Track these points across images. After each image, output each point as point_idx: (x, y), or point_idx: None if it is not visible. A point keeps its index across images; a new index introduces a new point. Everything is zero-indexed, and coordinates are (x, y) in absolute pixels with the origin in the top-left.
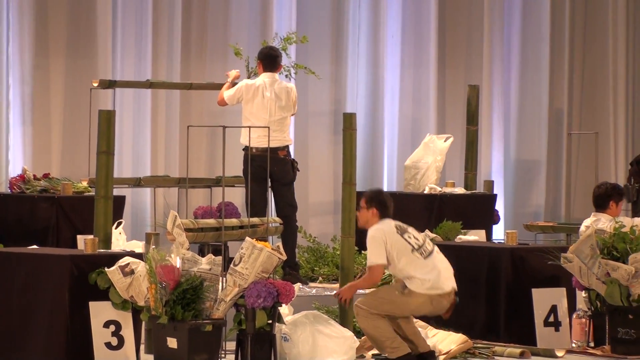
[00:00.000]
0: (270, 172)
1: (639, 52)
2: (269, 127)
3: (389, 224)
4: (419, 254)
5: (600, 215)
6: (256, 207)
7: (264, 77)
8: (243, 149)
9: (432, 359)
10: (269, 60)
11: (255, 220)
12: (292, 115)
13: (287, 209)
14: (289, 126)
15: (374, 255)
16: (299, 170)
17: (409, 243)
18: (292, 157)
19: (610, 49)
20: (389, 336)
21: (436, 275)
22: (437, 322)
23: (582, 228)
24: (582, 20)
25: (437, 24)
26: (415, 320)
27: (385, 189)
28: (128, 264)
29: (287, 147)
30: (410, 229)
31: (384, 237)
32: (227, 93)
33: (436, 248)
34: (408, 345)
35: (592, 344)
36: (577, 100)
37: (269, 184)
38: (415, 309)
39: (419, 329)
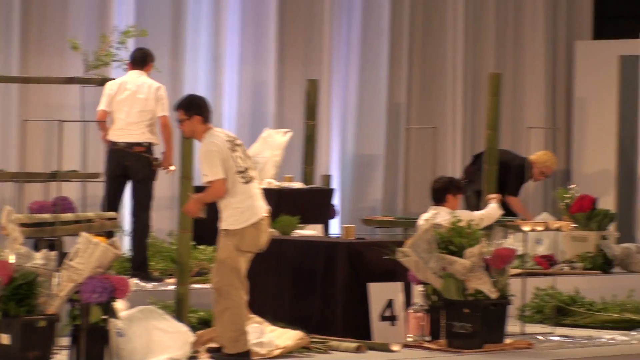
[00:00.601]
0: (124, 166)
1: (477, 48)
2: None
3: (222, 139)
4: (241, 178)
5: (439, 208)
6: (107, 201)
7: (130, 74)
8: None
9: None
10: (136, 58)
11: (90, 215)
12: (162, 116)
13: (136, 207)
14: (153, 125)
15: (212, 170)
16: (157, 169)
17: (235, 164)
18: (156, 157)
19: (449, 45)
20: (239, 328)
21: (250, 203)
22: (275, 318)
23: (421, 222)
24: (421, 15)
25: (277, 18)
26: (252, 316)
27: None
28: None
29: (145, 144)
30: (240, 149)
31: (220, 151)
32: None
33: (256, 178)
34: None
35: (428, 338)
36: (415, 95)
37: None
38: (250, 242)
39: (255, 324)
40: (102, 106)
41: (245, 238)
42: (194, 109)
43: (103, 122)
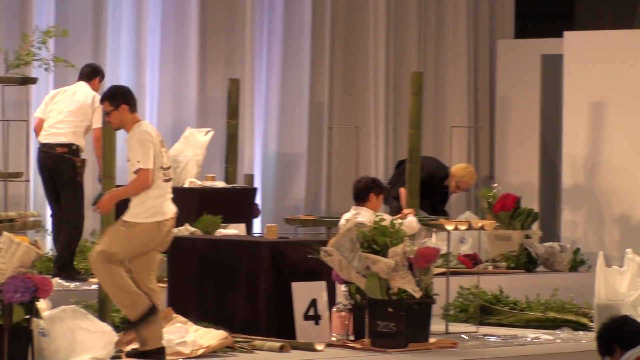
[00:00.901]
0: (48, 167)
1: (399, 47)
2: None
3: (154, 131)
4: (162, 174)
5: (361, 208)
6: (48, 202)
7: (74, 85)
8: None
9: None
10: (84, 72)
11: (12, 214)
12: (97, 128)
13: (63, 209)
14: (82, 134)
15: (144, 158)
16: (79, 171)
17: (161, 160)
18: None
19: (371, 44)
20: (127, 290)
21: (162, 202)
22: (198, 317)
23: (342, 221)
24: (343, 14)
25: (198, 17)
26: (175, 315)
27: None
28: None
29: (70, 146)
30: (165, 147)
31: (153, 142)
32: None
33: (172, 179)
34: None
35: (352, 337)
36: (338, 94)
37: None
38: (146, 239)
39: (179, 324)
40: (37, 113)
41: (143, 233)
42: (120, 98)
43: (39, 130)
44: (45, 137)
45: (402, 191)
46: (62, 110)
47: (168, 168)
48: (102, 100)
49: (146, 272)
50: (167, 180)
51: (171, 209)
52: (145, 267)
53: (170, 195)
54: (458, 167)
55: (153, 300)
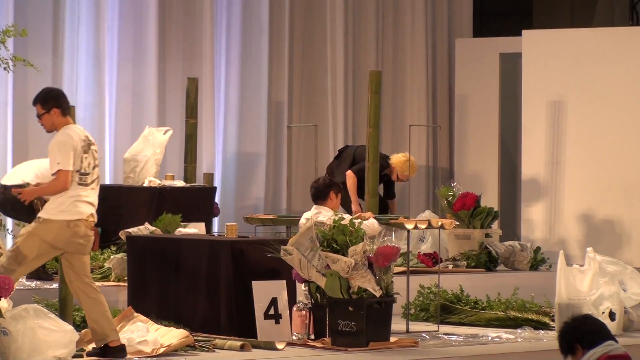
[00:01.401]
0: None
1: (356, 45)
2: None
3: (79, 136)
4: (78, 178)
5: (321, 207)
6: None
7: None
8: None
9: None
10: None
11: None
12: None
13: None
14: None
15: (63, 160)
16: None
17: (82, 164)
18: None
19: (329, 43)
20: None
21: (75, 202)
22: (159, 316)
23: (302, 220)
24: (301, 13)
25: (157, 16)
26: (136, 315)
27: (108, 182)
28: None
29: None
30: (91, 153)
31: (74, 145)
32: None
33: (96, 186)
34: None
35: (312, 337)
36: (296, 93)
37: None
38: (55, 237)
39: (140, 323)
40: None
41: (52, 230)
42: (51, 101)
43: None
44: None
45: (350, 175)
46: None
47: (86, 174)
48: (35, 103)
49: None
50: (83, 185)
51: (85, 211)
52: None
53: (89, 199)
54: (398, 160)
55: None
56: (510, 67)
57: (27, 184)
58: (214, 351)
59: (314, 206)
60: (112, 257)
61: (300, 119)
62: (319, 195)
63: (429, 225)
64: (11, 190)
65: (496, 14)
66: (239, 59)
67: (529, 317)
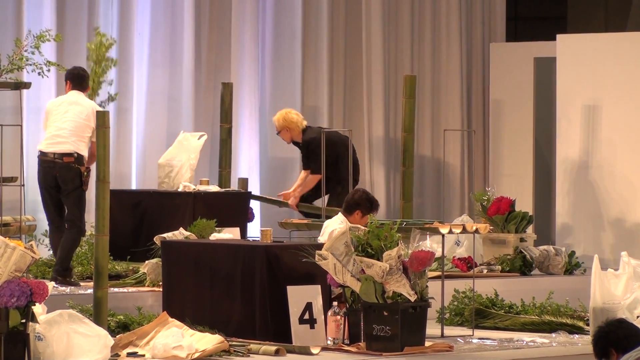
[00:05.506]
0: (54, 176)
1: (392, 50)
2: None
3: None
4: None
5: (345, 219)
6: (45, 211)
7: (70, 94)
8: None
9: None
10: (78, 79)
11: (7, 218)
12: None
13: (67, 214)
14: (86, 143)
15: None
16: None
17: None
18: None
19: (364, 48)
20: None
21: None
22: (194, 321)
23: (324, 225)
24: (340, 18)
25: (192, 21)
26: (171, 320)
27: (134, 187)
28: None
29: (76, 155)
30: None
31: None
32: None
33: None
34: None
35: (347, 341)
36: (332, 97)
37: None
38: None
39: (175, 328)
40: (44, 128)
41: None
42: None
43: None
44: (49, 148)
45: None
46: (63, 127)
47: None
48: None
49: None
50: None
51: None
52: None
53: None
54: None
55: None
56: (545, 71)
57: (77, 154)
58: (249, 356)
59: (340, 213)
60: (146, 262)
61: (335, 124)
62: (346, 208)
63: (464, 230)
64: (62, 159)
65: (530, 19)
66: (272, 63)
67: (564, 321)
